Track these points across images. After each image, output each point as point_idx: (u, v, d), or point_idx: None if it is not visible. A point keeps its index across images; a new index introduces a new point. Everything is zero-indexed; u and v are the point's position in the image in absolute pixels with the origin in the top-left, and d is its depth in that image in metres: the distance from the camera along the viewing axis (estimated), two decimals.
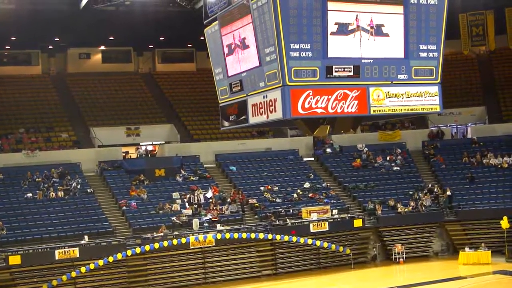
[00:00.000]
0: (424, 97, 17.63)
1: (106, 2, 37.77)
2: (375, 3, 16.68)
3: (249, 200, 38.58)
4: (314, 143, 44.52)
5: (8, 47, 46.98)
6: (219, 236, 33.69)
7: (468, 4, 43.59)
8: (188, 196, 37.79)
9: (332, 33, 16.25)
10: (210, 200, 37.68)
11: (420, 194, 39.63)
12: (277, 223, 35.93)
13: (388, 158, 43.59)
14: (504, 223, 35.72)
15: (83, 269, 31.41)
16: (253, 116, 17.43)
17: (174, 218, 35.76)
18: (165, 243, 32.76)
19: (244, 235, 34.22)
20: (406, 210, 38.26)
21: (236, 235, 34.02)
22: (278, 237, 34.89)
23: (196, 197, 37.65)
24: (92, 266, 31.60)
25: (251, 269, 35.37)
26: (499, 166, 42.16)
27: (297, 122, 17.46)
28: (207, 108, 46.23)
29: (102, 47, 49.90)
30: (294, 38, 15.79)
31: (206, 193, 38.21)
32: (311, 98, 16.10)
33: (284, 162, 43.03)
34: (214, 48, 19.03)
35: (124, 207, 36.64)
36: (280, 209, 37.66)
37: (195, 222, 35.13)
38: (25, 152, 39.44)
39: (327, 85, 16.29)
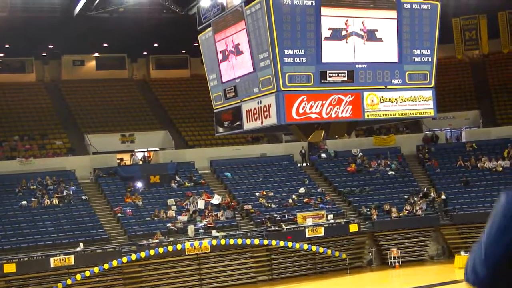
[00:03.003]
0: (418, 102, 17.69)
1: (99, 9, 37.79)
2: (369, 8, 16.75)
3: (244, 206, 38.54)
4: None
5: (2, 55, 46.87)
6: (214, 242, 33.64)
7: (461, 9, 43.72)
8: (185, 202, 37.75)
9: (326, 39, 16.30)
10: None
11: (415, 198, 39.65)
12: (273, 228, 35.90)
13: (383, 163, 43.60)
14: None
15: (78, 277, 31.29)
16: (247, 122, 17.46)
17: (169, 224, 35.70)
18: (161, 250, 32.70)
19: (239, 241, 34.17)
20: (401, 214, 38.28)
21: (231, 241, 33.97)
22: (273, 242, 34.85)
23: (192, 204, 37.59)
24: (87, 273, 31.49)
25: (247, 275, 35.31)
26: (494, 169, 42.22)
27: (292, 128, 17.50)
28: (202, 114, 46.19)
29: (96, 54, 49.85)
30: (288, 44, 15.84)
31: (211, 200, 38.14)
32: (305, 104, 16.14)
33: (279, 168, 43.01)
34: (208, 54, 19.07)
35: (119, 214, 36.57)
36: (276, 215, 37.61)
37: (191, 228, 35.08)
38: (19, 159, 39.36)
39: (322, 90, 16.34)
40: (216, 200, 38.03)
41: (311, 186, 41.21)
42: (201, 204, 37.59)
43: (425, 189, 40.88)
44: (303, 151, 43.89)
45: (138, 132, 44.75)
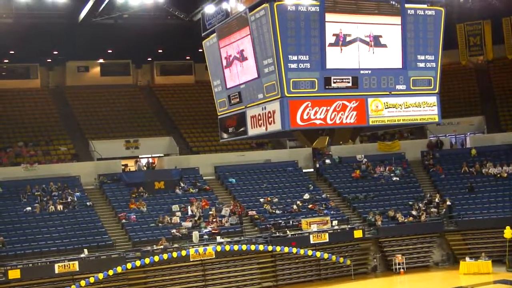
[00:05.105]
0: (423, 107, 17.68)
1: (104, 16, 37.92)
2: (373, 14, 16.75)
3: (249, 212, 38.52)
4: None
5: (7, 61, 46.99)
6: (219, 248, 33.61)
7: (465, 14, 43.70)
8: (190, 208, 37.74)
9: (330, 45, 16.30)
10: (210, 213, 37.67)
11: (420, 205, 39.57)
12: (277, 234, 35.85)
13: (387, 169, 43.54)
14: (508, 232, 35.63)
15: (82, 283, 31.26)
16: (252, 128, 17.46)
17: (174, 230, 35.69)
18: (165, 256, 32.67)
19: (244, 247, 34.13)
20: (406, 220, 38.21)
21: (236, 247, 33.94)
22: (278, 248, 34.80)
23: (196, 209, 37.60)
24: (92, 279, 31.45)
25: (252, 281, 35.25)
26: (498, 175, 42.13)
27: (296, 134, 17.48)
28: (206, 120, 46.22)
29: (101, 60, 49.92)
30: (292, 50, 15.85)
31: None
32: (309, 109, 16.14)
33: (284, 174, 42.99)
34: (213, 60, 19.08)
35: (124, 220, 36.58)
36: (280, 221, 37.58)
37: (195, 234, 35.06)
38: (24, 165, 39.39)
39: (326, 96, 16.34)
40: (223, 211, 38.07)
41: (316, 192, 41.19)
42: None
43: (429, 195, 40.80)
44: (317, 165, 43.73)
45: (142, 138, 44.73)
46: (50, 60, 48.24)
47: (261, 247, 34.53)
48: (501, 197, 40.46)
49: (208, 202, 38.63)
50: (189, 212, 37.52)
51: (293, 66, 15.89)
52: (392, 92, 17.23)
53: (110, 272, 31.79)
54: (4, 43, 39.69)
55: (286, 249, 34.88)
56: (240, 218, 37.55)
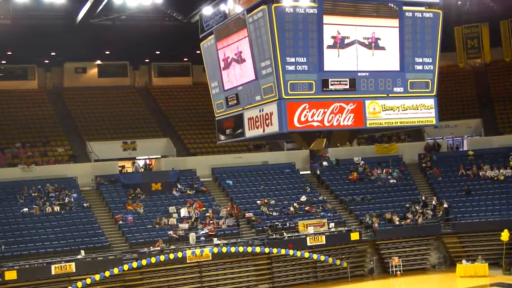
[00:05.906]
0: (420, 110, 17.70)
1: (102, 17, 37.91)
2: (371, 17, 16.77)
3: (246, 213, 38.50)
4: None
5: (4, 62, 46.96)
6: (215, 250, 33.58)
7: (463, 17, 43.75)
8: (187, 209, 37.68)
9: (328, 47, 16.31)
10: (207, 215, 37.64)
11: (417, 207, 39.57)
12: (274, 236, 35.83)
13: (384, 171, 43.54)
14: (504, 235, 35.63)
15: (79, 284, 31.22)
16: (249, 129, 17.46)
17: (170, 232, 35.66)
18: (162, 258, 32.65)
19: (241, 249, 34.11)
20: (403, 223, 38.22)
21: (233, 249, 33.91)
22: (275, 250, 34.78)
23: (193, 211, 37.57)
24: (88, 281, 31.41)
25: (248, 283, 35.22)
26: (495, 178, 42.13)
27: (294, 136, 17.50)
28: (204, 122, 46.19)
29: (98, 62, 49.89)
30: (290, 52, 15.86)
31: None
32: (307, 112, 16.15)
33: (281, 176, 42.97)
34: (210, 62, 19.08)
35: (121, 222, 36.53)
36: (277, 223, 37.56)
37: (192, 236, 35.03)
38: (21, 166, 39.34)
39: (323, 99, 16.35)
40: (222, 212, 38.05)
41: (313, 194, 41.17)
42: (184, 212, 37.57)
43: (423, 197, 40.76)
44: (318, 172, 43.65)
45: (140, 139, 44.72)
46: (47, 61, 48.19)
47: (257, 249, 34.52)
48: (498, 200, 40.47)
49: (203, 204, 38.57)
50: (182, 214, 37.47)
51: (291, 68, 15.89)
52: (390, 95, 17.25)
53: (107, 274, 31.75)
54: (2, 44, 39.64)
55: (283, 251, 34.87)
56: (237, 220, 37.54)
